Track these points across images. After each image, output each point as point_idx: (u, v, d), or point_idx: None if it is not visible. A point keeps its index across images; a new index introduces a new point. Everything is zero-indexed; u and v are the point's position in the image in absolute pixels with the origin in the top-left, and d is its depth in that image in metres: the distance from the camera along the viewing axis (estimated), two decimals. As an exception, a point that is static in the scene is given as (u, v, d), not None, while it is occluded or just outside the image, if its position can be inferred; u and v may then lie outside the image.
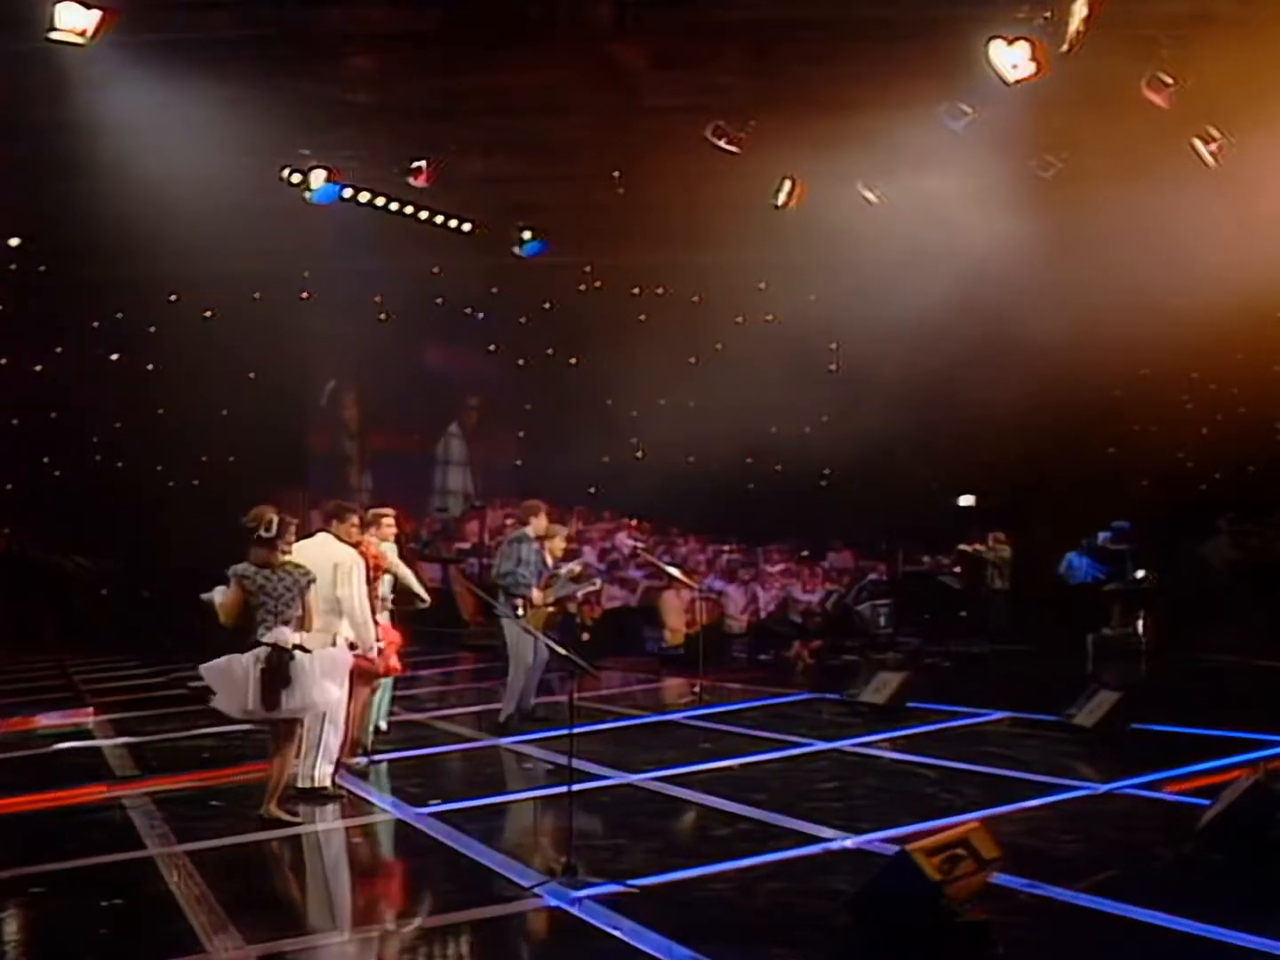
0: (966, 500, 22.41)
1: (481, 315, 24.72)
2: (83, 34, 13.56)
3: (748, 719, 12.33)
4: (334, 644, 8.87)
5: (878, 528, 21.17)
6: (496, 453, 25.58)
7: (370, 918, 6.57)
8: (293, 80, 17.06)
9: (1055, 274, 18.76)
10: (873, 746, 10.73)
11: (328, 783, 9.04)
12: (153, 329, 22.41)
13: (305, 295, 23.86)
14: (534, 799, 9.27)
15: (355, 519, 9.56)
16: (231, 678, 8.08)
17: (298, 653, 8.12)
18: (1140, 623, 17.12)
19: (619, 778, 9.65)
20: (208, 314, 22.68)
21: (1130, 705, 10.64)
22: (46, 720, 12.58)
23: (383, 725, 11.17)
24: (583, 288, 24.00)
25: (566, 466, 22.73)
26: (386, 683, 10.82)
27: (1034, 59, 14.06)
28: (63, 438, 22.03)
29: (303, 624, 8.27)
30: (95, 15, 13.47)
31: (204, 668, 8.19)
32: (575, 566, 13.10)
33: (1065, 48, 13.99)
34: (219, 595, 8.42)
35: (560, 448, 23.00)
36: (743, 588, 17.85)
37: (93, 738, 11.74)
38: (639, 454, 24.08)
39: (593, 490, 23.55)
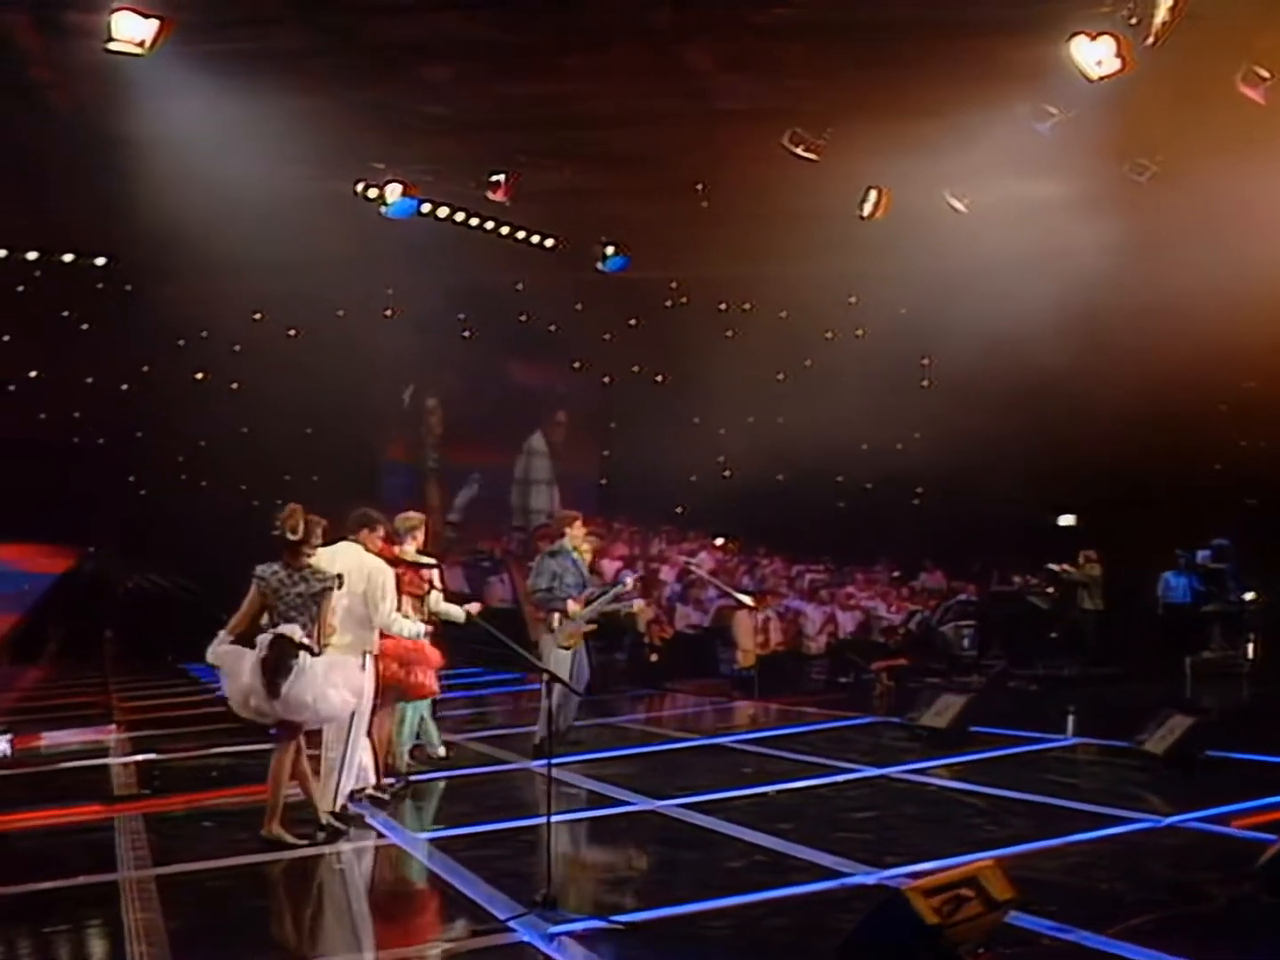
0: (1067, 520, 21.59)
1: (565, 332, 24.42)
2: (141, 44, 13.45)
3: (801, 743, 11.72)
4: (363, 661, 8.60)
5: (972, 548, 20.45)
6: (580, 471, 25.24)
7: (319, 950, 6.12)
8: (364, 92, 16.96)
9: (1154, 282, 17.90)
10: (925, 773, 10.06)
11: (341, 803, 8.55)
12: (237, 347, 22.43)
13: (389, 313, 23.76)
14: (538, 826, 8.58)
15: (382, 530, 9.23)
16: (238, 669, 7.82)
17: (305, 655, 7.81)
18: (1250, 645, 16.26)
19: (642, 804, 9.18)
20: (291, 332, 22.75)
21: (1204, 731, 9.87)
22: (62, 738, 12.39)
23: (440, 751, 10.78)
24: (668, 303, 23.68)
25: (652, 486, 22.39)
26: (423, 706, 10.43)
27: (1119, 55, 13.41)
28: (148, 457, 22.13)
29: (317, 629, 7.95)
30: (153, 24, 13.38)
31: (212, 652, 7.93)
32: (629, 581, 12.60)
33: (1150, 41, 13.33)
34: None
35: (646, 467, 22.67)
36: (821, 608, 17.23)
37: (106, 755, 11.48)
38: (726, 473, 23.58)
39: (680, 510, 23.12)
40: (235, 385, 22.38)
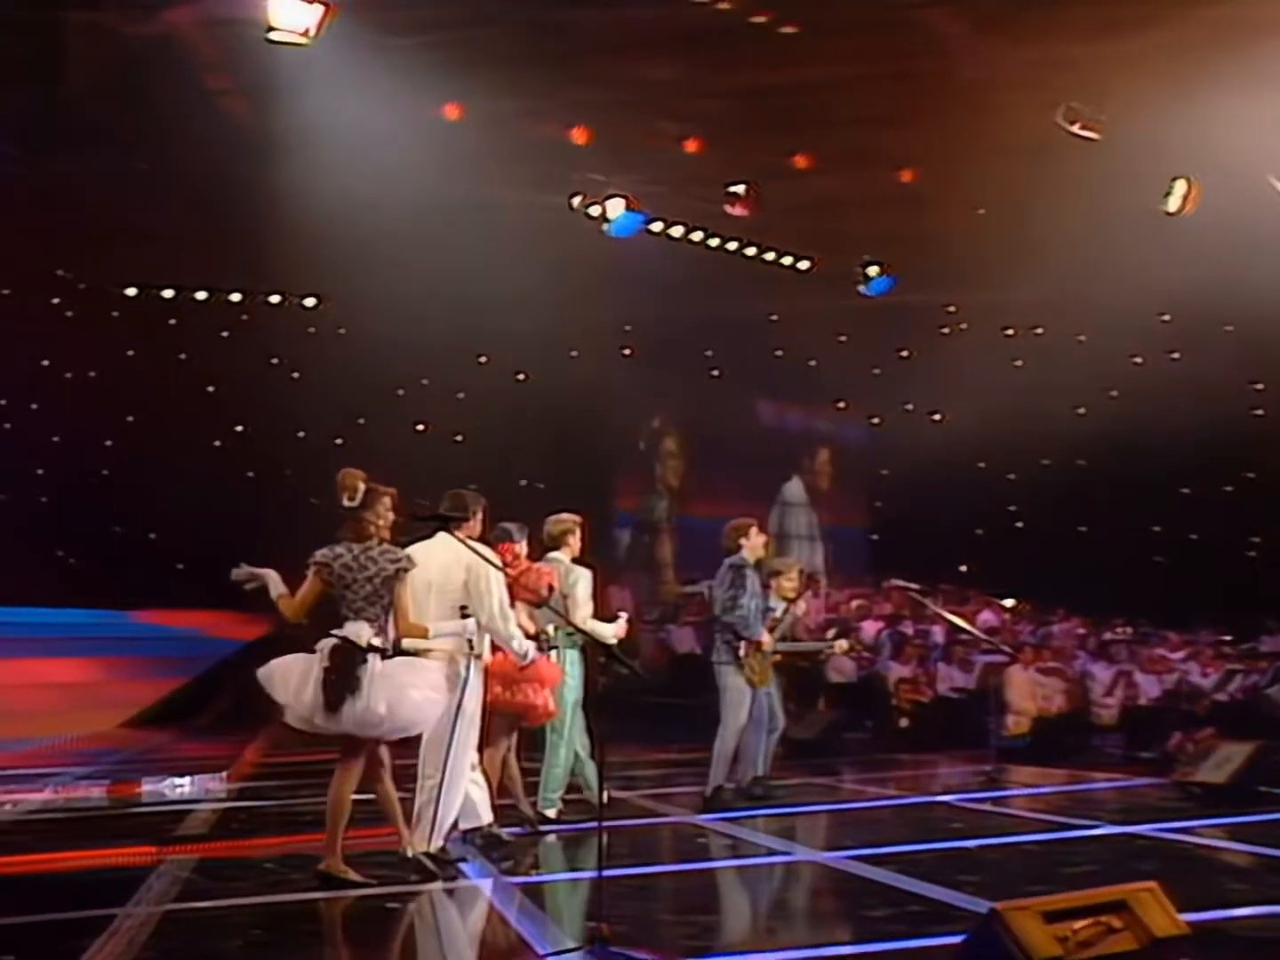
0: None
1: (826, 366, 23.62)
2: (305, 33, 13.40)
3: (1040, 803, 10.93)
4: (463, 669, 8.02)
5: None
6: (847, 525, 24.38)
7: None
8: (580, 92, 16.62)
9: None
10: (1187, 832, 8.90)
11: (438, 843, 7.98)
12: (461, 395, 22.31)
13: (627, 352, 23.42)
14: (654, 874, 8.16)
15: (478, 512, 8.64)
16: (289, 678, 7.33)
17: (374, 659, 7.30)
18: None
19: (803, 855, 8.60)
20: (520, 376, 22.57)
21: None
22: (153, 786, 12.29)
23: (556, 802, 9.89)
24: (945, 330, 22.54)
25: (930, 540, 21.31)
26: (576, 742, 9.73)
27: None
28: (365, 516, 22.09)
29: (387, 623, 7.46)
30: (316, 10, 13.29)
31: (262, 670, 7.45)
32: (843, 644, 11.67)
33: None
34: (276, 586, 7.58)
35: (923, 519, 21.66)
36: (1111, 667, 15.76)
37: (197, 802, 11.36)
38: (1018, 524, 22.38)
39: (963, 568, 21.91)
40: (459, 437, 22.22)
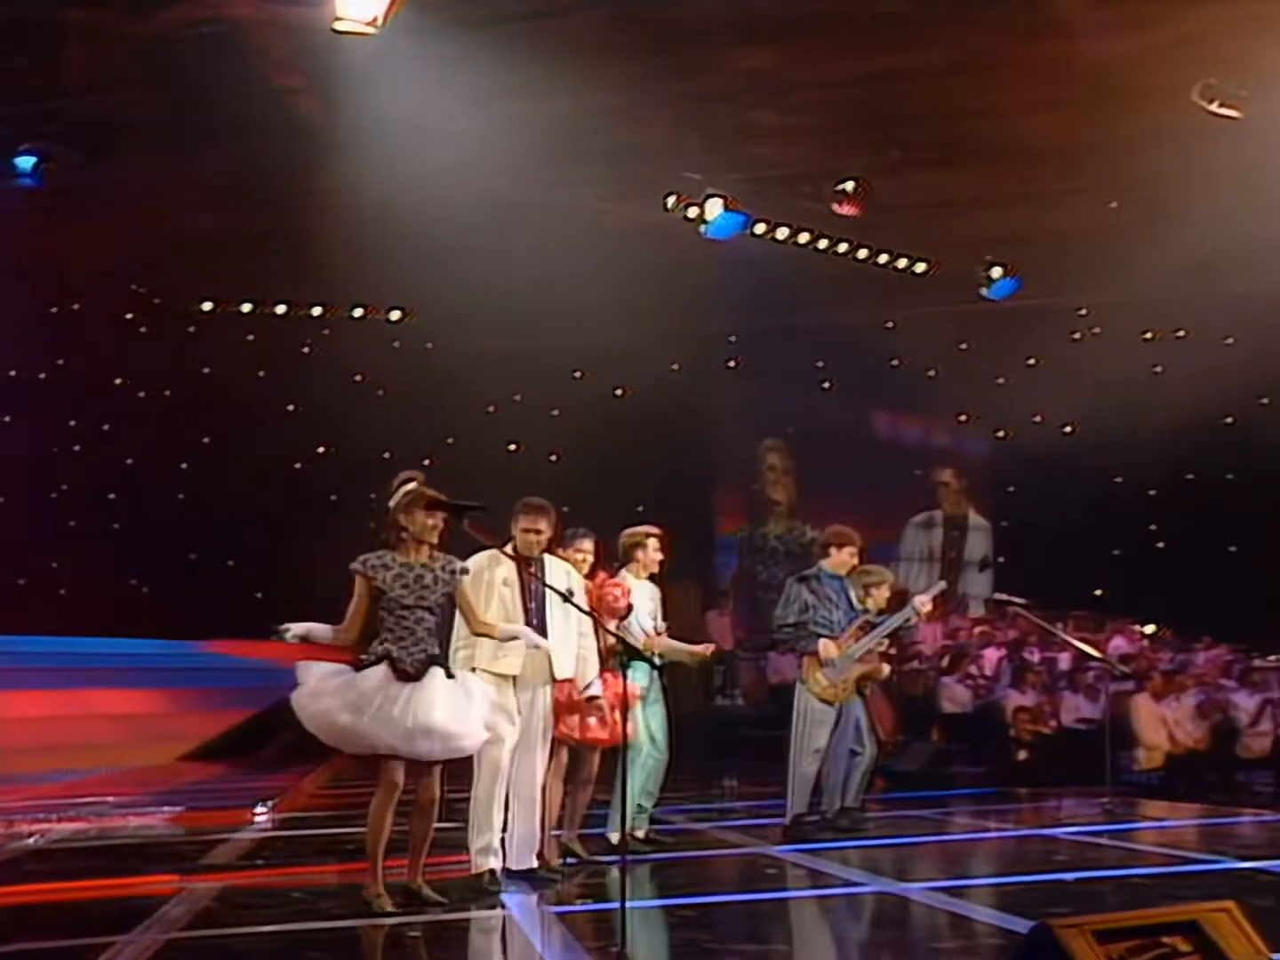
0: None
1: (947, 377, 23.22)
2: (372, 22, 13.28)
3: (1162, 837, 10.53)
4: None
5: None
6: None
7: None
8: (675, 85, 16.36)
9: None
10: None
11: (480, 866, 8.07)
12: (555, 412, 22.14)
13: (732, 364, 23.20)
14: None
15: (543, 522, 8.52)
16: (343, 697, 7.35)
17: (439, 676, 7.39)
18: None
19: (878, 887, 8.40)
20: (618, 391, 22.36)
21: None
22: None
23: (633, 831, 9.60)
24: (1076, 335, 21.92)
25: (1063, 563, 20.75)
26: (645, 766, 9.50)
27: None
28: (456, 544, 21.93)
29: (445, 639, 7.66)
30: (384, -1, 13.17)
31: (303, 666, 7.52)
32: (922, 601, 10.90)
33: None
34: None
35: (1054, 540, 21.08)
36: (1256, 695, 15.08)
37: (232, 831, 11.36)
38: (1160, 544, 21.66)
39: (1099, 593, 21.29)
40: (554, 456, 22.04)
